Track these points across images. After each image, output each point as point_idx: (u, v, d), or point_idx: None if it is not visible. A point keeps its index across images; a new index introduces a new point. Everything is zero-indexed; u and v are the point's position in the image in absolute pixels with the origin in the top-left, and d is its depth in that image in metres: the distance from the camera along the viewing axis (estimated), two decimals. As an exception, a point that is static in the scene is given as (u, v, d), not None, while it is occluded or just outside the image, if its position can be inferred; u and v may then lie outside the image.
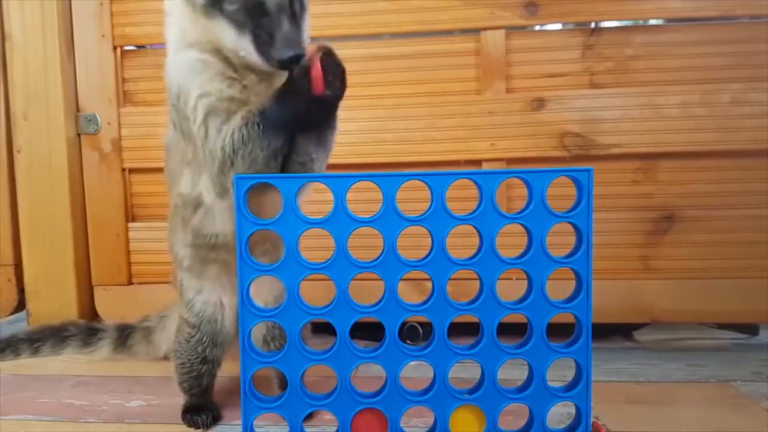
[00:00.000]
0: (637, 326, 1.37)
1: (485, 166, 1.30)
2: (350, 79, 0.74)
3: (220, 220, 0.84)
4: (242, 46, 0.74)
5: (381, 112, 1.31)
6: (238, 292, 0.72)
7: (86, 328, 1.25)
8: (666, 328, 1.39)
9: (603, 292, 1.22)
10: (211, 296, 0.92)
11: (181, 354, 0.93)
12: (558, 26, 1.34)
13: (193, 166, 0.84)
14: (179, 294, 0.96)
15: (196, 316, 0.92)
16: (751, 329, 1.34)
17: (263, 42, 0.72)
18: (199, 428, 0.89)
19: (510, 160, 1.30)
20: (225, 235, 0.85)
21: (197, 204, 0.85)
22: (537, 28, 1.32)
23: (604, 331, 1.33)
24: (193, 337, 0.92)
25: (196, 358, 0.92)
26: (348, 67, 0.73)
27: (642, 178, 1.29)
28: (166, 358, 1.14)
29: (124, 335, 1.23)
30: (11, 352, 1.25)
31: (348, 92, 0.75)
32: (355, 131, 1.30)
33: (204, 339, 0.91)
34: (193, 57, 0.78)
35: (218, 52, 0.78)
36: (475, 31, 1.29)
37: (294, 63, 0.71)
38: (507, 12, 1.27)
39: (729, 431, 0.86)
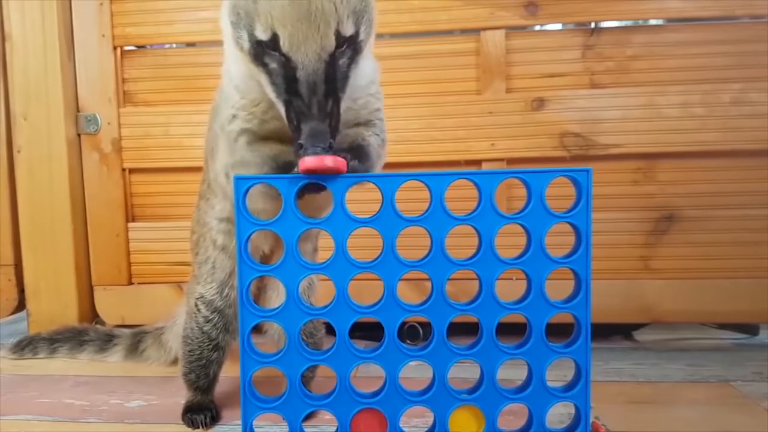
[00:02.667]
0: (637, 326, 1.37)
1: (485, 166, 1.30)
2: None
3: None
4: (277, 106, 0.70)
5: (381, 112, 1.31)
6: (237, 292, 0.72)
7: (104, 334, 1.26)
8: (666, 328, 1.39)
9: (603, 292, 1.22)
10: (237, 281, 0.91)
11: (192, 340, 0.92)
12: (558, 26, 1.34)
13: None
14: (206, 273, 0.92)
15: (224, 299, 0.91)
16: (751, 329, 1.34)
17: (291, 120, 0.67)
18: (199, 428, 0.89)
19: (510, 161, 1.30)
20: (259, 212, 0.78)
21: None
22: (537, 28, 1.32)
23: (604, 331, 1.33)
24: (209, 321, 0.91)
25: (208, 345, 0.91)
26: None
27: (642, 178, 1.29)
28: (175, 362, 1.13)
29: (136, 340, 1.23)
30: (30, 350, 1.26)
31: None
32: (354, 131, 1.30)
33: (219, 324, 0.91)
34: (241, 74, 0.76)
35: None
36: (475, 31, 1.29)
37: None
38: (507, 12, 1.27)
39: (729, 431, 0.86)
